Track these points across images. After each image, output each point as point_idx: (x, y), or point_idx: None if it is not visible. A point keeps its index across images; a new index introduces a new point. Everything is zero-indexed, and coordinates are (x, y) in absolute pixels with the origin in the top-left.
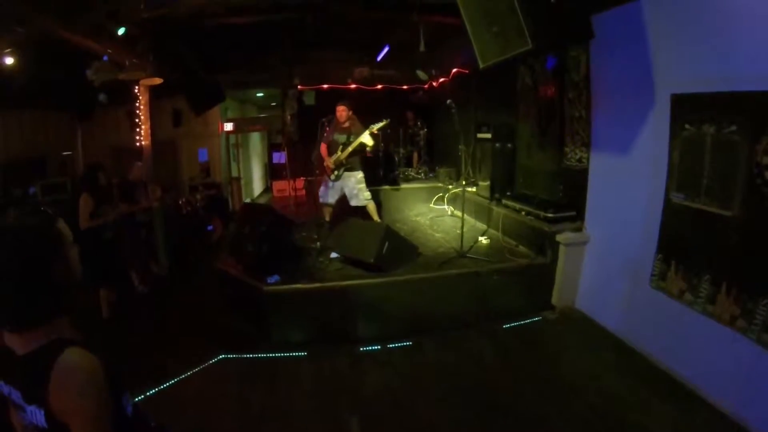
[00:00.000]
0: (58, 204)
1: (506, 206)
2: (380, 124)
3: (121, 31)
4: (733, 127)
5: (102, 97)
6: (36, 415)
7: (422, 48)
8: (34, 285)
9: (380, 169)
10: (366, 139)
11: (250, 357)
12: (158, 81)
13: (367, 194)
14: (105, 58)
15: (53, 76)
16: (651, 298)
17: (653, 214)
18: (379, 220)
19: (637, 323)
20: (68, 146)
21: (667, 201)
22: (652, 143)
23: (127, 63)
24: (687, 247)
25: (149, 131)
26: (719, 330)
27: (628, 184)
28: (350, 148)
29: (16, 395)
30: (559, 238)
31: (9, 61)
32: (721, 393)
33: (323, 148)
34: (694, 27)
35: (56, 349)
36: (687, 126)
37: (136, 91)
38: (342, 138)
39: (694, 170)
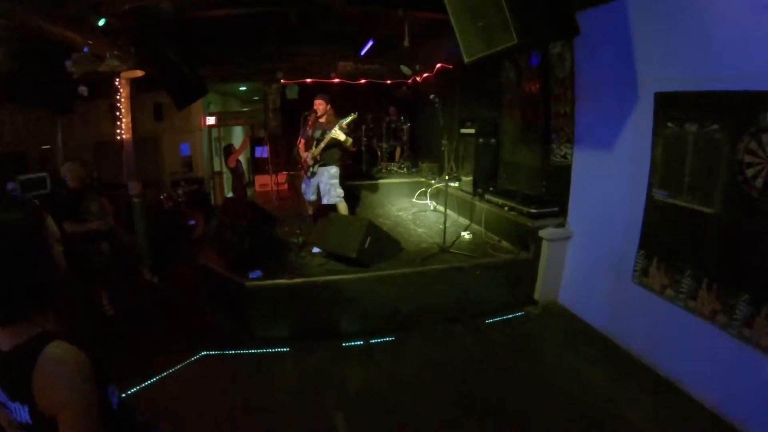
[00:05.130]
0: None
1: (489, 201)
2: (349, 118)
3: (101, 23)
4: (715, 126)
5: (82, 89)
6: (20, 412)
7: (407, 43)
8: (19, 280)
9: (362, 164)
10: (336, 133)
11: (232, 353)
12: (140, 74)
13: (339, 191)
14: (85, 49)
15: (32, 69)
16: (633, 293)
17: (636, 210)
18: None
19: (620, 318)
20: (48, 140)
21: (650, 198)
22: (636, 140)
23: (108, 55)
24: (669, 244)
25: (130, 125)
26: (700, 325)
27: (611, 180)
28: (323, 144)
29: (1, 394)
30: (542, 233)
31: None
32: (703, 387)
33: (301, 143)
34: (677, 26)
35: (40, 343)
36: (670, 124)
37: (117, 83)
38: (317, 133)
39: (676, 168)
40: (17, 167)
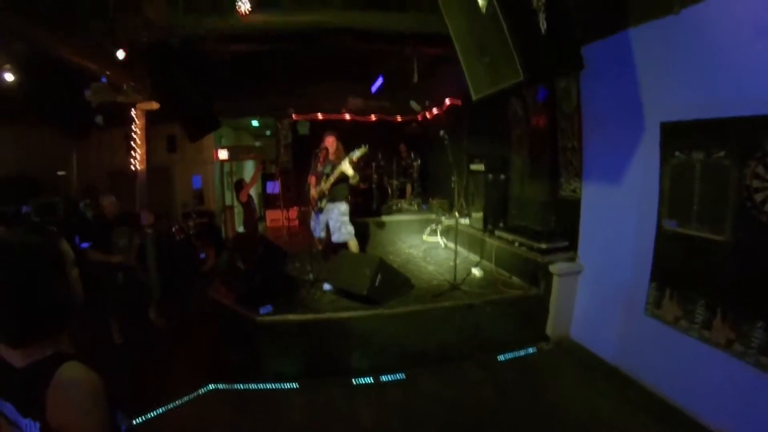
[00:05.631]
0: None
1: (499, 238)
2: (359, 152)
3: (120, 55)
4: (722, 153)
5: (98, 118)
6: (31, 429)
7: (415, 79)
8: (35, 303)
9: (373, 201)
10: (345, 167)
11: (240, 388)
12: (155, 106)
13: (350, 228)
14: (103, 79)
15: (51, 95)
16: (646, 326)
17: (646, 241)
18: None
19: (633, 352)
20: (63, 166)
21: (660, 228)
22: (643, 171)
23: (124, 86)
24: (681, 274)
25: (145, 156)
26: (716, 355)
27: (620, 212)
28: (332, 178)
29: (9, 409)
30: (552, 268)
31: (9, 77)
32: (721, 418)
33: (312, 179)
34: (680, 55)
35: (55, 363)
36: (677, 153)
37: (133, 114)
38: (327, 169)
39: (684, 197)
40: (32, 191)
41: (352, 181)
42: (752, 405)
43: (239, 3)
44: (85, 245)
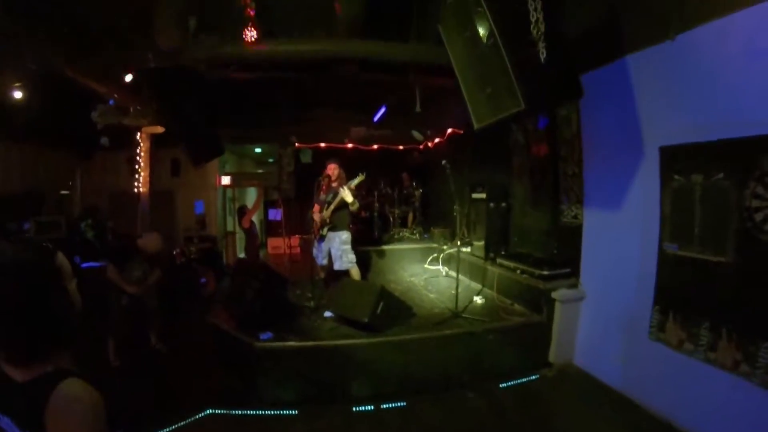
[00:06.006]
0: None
1: (501, 265)
2: (357, 180)
3: (128, 78)
4: (721, 175)
5: (104, 140)
6: None
7: (418, 108)
8: (34, 318)
9: (375, 230)
10: (345, 194)
11: (239, 414)
12: (160, 129)
13: (352, 257)
14: (111, 102)
15: (58, 115)
16: (650, 350)
17: (648, 266)
18: None
19: (638, 377)
20: (66, 185)
21: (661, 252)
22: (643, 196)
23: (131, 109)
24: (684, 297)
25: (148, 179)
26: (722, 377)
27: (621, 237)
28: (332, 206)
29: (6, 423)
30: (554, 295)
31: (18, 95)
32: None
33: (316, 208)
34: (676, 79)
35: (56, 379)
36: (676, 176)
37: (138, 137)
38: (329, 197)
39: (685, 220)
40: (35, 208)
41: (352, 208)
42: (760, 425)
43: (246, 31)
44: (86, 265)
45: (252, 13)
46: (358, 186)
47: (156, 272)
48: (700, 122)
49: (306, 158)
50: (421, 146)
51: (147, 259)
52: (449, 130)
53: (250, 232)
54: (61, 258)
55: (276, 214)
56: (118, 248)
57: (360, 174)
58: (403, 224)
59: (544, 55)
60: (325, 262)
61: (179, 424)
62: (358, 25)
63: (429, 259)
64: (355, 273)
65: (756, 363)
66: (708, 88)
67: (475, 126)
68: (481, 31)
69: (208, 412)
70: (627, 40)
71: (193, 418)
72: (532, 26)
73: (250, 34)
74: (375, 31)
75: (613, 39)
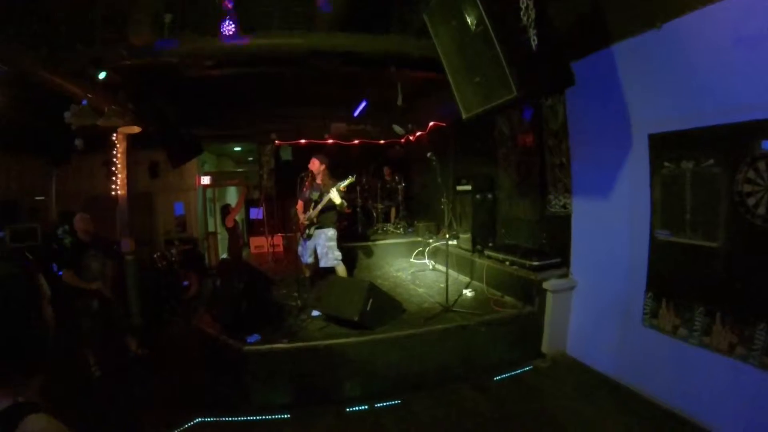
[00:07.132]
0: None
1: (489, 257)
2: (347, 182)
3: (101, 76)
4: (711, 161)
5: (78, 142)
6: None
7: (400, 102)
8: (7, 344)
9: (358, 226)
10: (334, 196)
11: (228, 420)
12: (137, 130)
13: (338, 254)
14: (84, 102)
15: (30, 119)
16: (644, 336)
17: (639, 253)
18: None
19: (632, 363)
20: (41, 191)
21: (653, 239)
22: (634, 184)
23: (106, 109)
24: (677, 283)
25: (125, 181)
26: (719, 360)
27: (612, 226)
28: (320, 206)
29: None
30: (545, 285)
31: None
32: (729, 423)
33: (300, 205)
34: (663, 67)
35: (17, 414)
36: (666, 164)
37: (114, 138)
38: (315, 195)
39: (676, 206)
40: (9, 217)
41: (341, 209)
42: (758, 406)
43: (224, 26)
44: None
45: (230, 5)
46: (345, 187)
47: (108, 263)
48: (689, 109)
49: (286, 156)
50: (402, 140)
51: (92, 244)
52: (431, 123)
53: (233, 232)
54: (41, 279)
55: (258, 213)
56: (63, 250)
57: (350, 176)
58: (387, 219)
59: (536, 42)
60: (310, 260)
61: None
62: (338, 17)
63: (414, 253)
64: (341, 270)
65: (752, 345)
66: (696, 75)
67: (464, 116)
68: (470, 19)
69: (197, 420)
70: (613, 29)
71: (182, 428)
72: (522, 12)
73: (228, 28)
74: (355, 23)
75: (598, 28)
